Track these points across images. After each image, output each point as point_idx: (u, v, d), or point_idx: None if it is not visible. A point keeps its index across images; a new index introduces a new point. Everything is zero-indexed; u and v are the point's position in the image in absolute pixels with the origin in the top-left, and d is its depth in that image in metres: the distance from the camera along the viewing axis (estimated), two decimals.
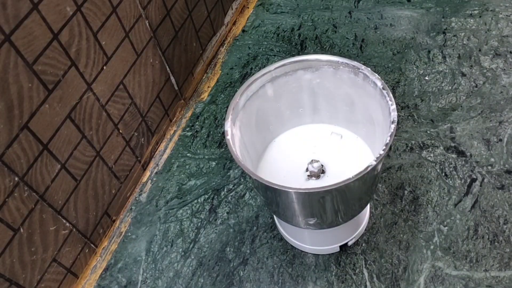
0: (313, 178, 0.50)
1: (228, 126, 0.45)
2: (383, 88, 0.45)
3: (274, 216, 0.56)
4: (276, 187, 0.40)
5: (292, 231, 0.54)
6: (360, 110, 0.51)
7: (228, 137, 0.44)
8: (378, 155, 0.41)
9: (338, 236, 0.53)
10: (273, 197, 0.44)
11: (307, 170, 0.51)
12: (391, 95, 0.44)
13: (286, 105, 0.53)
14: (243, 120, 0.48)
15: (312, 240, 0.54)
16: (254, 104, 0.50)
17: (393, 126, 0.42)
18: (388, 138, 0.41)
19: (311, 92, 0.52)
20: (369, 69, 0.46)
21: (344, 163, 0.52)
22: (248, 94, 0.49)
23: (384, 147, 0.41)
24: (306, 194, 0.41)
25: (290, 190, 0.40)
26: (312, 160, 0.51)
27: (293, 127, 0.56)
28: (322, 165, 0.51)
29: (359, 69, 0.47)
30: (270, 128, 0.54)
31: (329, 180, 0.50)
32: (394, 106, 0.44)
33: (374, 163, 0.40)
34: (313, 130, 0.55)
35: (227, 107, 0.46)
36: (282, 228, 0.56)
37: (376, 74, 0.46)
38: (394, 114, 0.43)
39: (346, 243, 0.54)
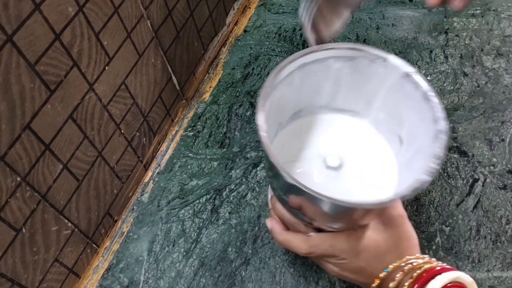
0: (331, 170, 0.48)
1: (262, 120, 0.38)
2: (428, 91, 0.41)
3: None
4: (319, 197, 0.35)
5: None
6: (388, 107, 0.47)
7: (264, 133, 0.37)
8: (432, 170, 0.36)
9: None
10: (303, 202, 0.40)
11: (324, 162, 0.48)
12: (438, 99, 0.40)
13: (305, 93, 0.49)
14: (267, 109, 0.43)
15: None
16: (279, 92, 0.45)
17: (444, 137, 0.38)
18: (440, 151, 0.37)
19: (337, 82, 0.48)
20: (415, 69, 0.43)
21: (362, 157, 0.49)
22: (275, 83, 0.44)
23: (438, 162, 0.37)
24: (349, 209, 0.37)
25: (333, 202, 0.35)
26: (329, 153, 0.48)
27: (310, 115, 0.52)
28: (340, 158, 0.48)
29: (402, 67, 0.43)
30: (285, 114, 0.50)
31: (348, 173, 0.47)
32: (443, 114, 0.39)
33: (429, 178, 0.36)
34: (331, 120, 0.52)
35: (257, 98, 0.40)
36: None
37: (423, 75, 0.42)
38: (443, 124, 0.38)
39: None
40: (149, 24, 0.58)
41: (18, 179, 0.43)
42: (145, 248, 0.59)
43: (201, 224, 0.60)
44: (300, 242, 0.43)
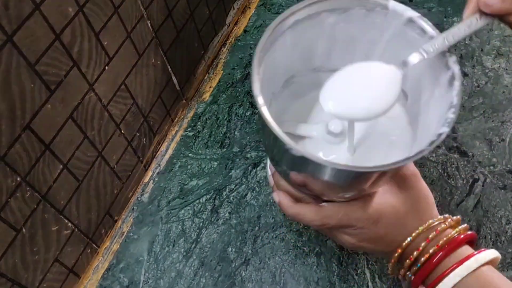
0: (334, 137, 0.44)
1: (258, 89, 0.35)
2: (435, 35, 0.36)
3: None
4: (331, 166, 0.32)
5: None
6: (389, 60, 0.42)
7: (263, 105, 0.34)
8: (448, 120, 0.33)
9: None
10: (308, 177, 0.37)
11: (326, 129, 0.44)
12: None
13: (298, 56, 0.44)
14: (261, 76, 0.39)
15: None
16: (270, 58, 0.40)
17: (457, 84, 0.34)
18: (455, 99, 0.34)
19: (331, 39, 0.43)
20: (418, 13, 0.39)
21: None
22: (267, 46, 0.39)
23: (453, 110, 0.33)
24: (363, 174, 0.33)
25: (347, 169, 0.32)
26: (331, 119, 0.43)
27: (304, 81, 0.47)
28: (343, 123, 0.43)
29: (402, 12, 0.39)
30: (277, 83, 0.46)
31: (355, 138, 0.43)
32: (454, 58, 0.35)
33: (446, 129, 0.33)
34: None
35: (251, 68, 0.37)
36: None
37: (427, 20, 0.38)
38: (456, 69, 0.35)
39: None
40: (149, 24, 0.58)
41: (18, 179, 0.43)
42: (145, 248, 0.59)
43: (201, 224, 0.60)
44: (313, 214, 0.39)
